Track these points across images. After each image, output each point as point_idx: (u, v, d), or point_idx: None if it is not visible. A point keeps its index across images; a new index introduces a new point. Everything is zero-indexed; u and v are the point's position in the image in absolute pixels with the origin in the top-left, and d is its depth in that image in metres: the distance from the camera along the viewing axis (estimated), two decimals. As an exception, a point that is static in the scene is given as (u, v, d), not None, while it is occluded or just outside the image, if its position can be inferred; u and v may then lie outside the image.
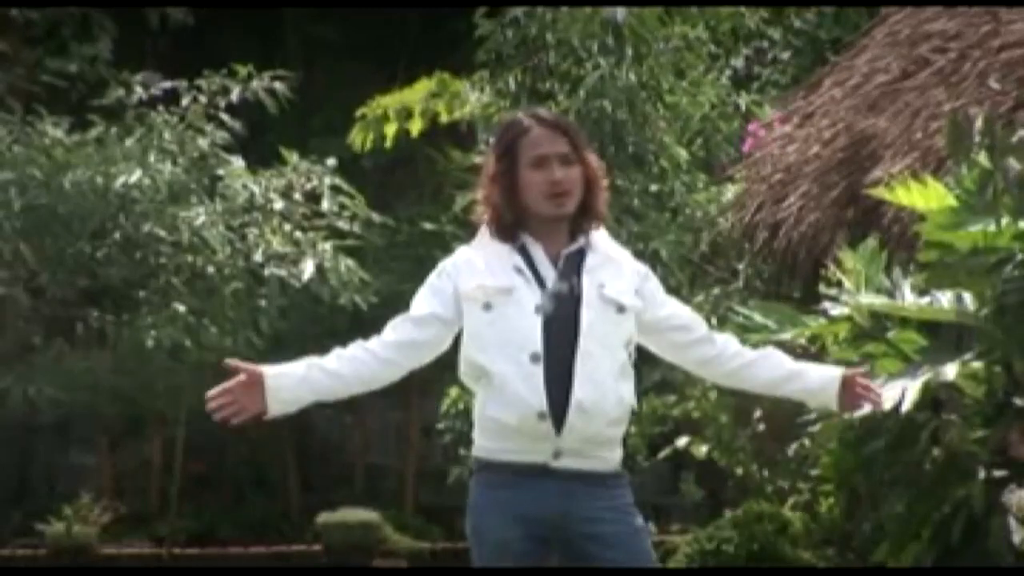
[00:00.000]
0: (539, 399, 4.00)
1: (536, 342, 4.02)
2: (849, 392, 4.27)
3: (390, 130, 10.96)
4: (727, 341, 4.28)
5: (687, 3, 10.46)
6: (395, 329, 4.14)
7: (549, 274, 4.10)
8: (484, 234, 4.20)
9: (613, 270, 4.15)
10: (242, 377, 4.03)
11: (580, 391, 4.01)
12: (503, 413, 4.05)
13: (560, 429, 4.02)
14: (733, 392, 9.09)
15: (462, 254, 4.21)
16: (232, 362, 4.06)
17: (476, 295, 4.10)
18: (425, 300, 4.16)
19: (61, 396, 11.45)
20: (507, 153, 4.16)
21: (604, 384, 4.04)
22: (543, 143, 4.12)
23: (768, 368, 4.26)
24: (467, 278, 4.13)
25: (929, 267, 5.08)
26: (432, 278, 4.19)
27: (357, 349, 4.11)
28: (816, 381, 4.27)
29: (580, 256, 4.13)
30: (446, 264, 4.21)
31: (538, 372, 4.01)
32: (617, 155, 9.61)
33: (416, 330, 4.13)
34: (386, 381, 4.16)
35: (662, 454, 9.77)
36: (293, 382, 4.06)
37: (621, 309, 4.11)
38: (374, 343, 4.12)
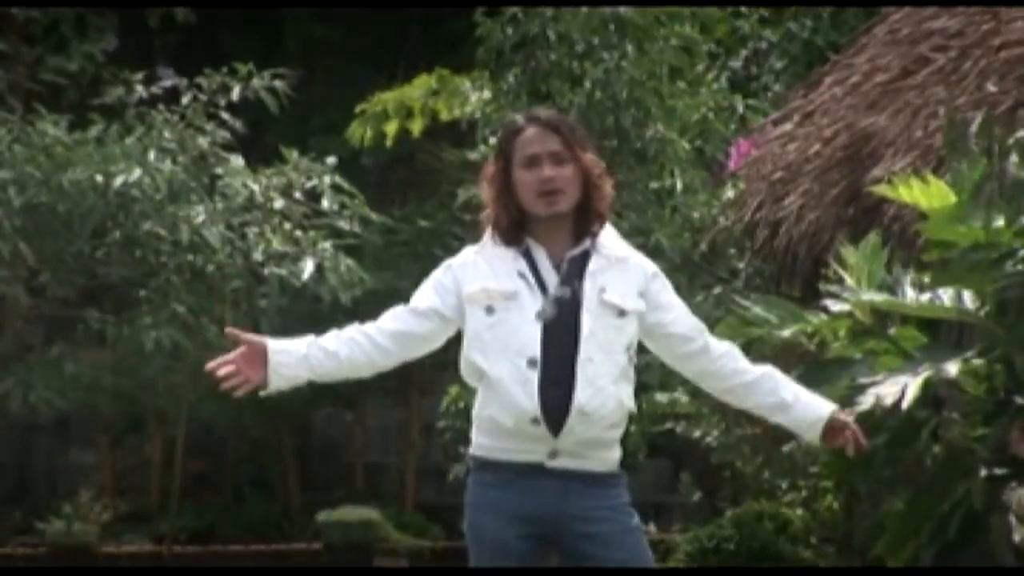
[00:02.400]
0: (533, 404, 4.02)
1: (535, 348, 4.04)
2: (834, 433, 4.27)
3: (391, 129, 10.94)
4: (726, 356, 4.25)
5: (688, 3, 10.43)
6: (395, 318, 4.16)
7: (552, 279, 4.11)
8: (489, 237, 4.20)
9: (617, 273, 4.15)
10: (244, 349, 4.05)
11: (582, 395, 4.03)
12: (500, 414, 4.07)
13: (558, 432, 4.04)
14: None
15: (468, 255, 4.22)
16: (234, 332, 4.08)
17: (479, 298, 4.11)
18: (428, 295, 4.17)
19: (61, 398, 11.42)
20: (501, 154, 4.18)
21: (605, 389, 4.06)
22: (534, 142, 4.13)
23: (762, 393, 4.25)
24: (471, 280, 4.14)
25: (931, 266, 5.07)
26: (437, 274, 4.21)
27: (356, 332, 4.14)
28: (804, 417, 4.26)
29: (584, 259, 4.14)
30: (452, 262, 4.22)
31: (534, 377, 4.03)
32: (620, 150, 9.60)
33: (416, 322, 4.15)
34: (379, 368, 4.18)
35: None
36: (295, 360, 4.08)
37: (622, 313, 4.11)
38: (372, 329, 4.14)
